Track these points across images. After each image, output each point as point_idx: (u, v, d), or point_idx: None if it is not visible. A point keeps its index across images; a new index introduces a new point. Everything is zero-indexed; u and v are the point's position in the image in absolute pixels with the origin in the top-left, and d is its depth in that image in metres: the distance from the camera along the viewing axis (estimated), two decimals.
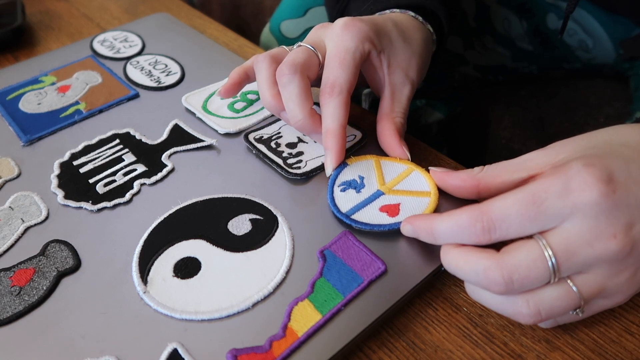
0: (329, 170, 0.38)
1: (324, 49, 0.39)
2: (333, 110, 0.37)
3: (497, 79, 0.67)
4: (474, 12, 0.61)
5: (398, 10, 0.44)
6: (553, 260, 0.26)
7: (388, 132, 0.39)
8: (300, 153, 0.41)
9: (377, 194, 0.37)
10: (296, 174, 0.39)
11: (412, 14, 0.43)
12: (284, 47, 0.42)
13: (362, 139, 0.42)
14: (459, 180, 0.34)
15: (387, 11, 0.44)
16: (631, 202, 0.26)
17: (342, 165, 0.39)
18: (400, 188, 0.37)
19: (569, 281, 0.27)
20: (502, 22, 0.60)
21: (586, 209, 0.26)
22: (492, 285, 0.27)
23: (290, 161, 0.40)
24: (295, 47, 0.40)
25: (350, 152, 0.41)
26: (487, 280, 0.27)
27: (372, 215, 0.35)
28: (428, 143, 0.42)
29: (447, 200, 0.36)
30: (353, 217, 0.35)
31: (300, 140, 0.42)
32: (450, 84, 0.70)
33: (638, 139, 0.29)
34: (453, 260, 0.29)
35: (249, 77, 0.43)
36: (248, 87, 0.48)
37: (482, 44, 0.63)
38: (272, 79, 0.39)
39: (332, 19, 0.53)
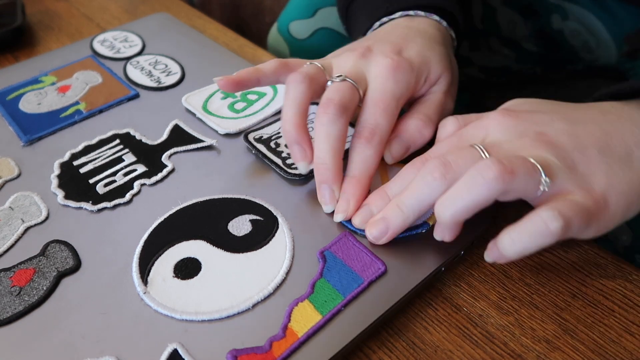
0: (339, 217, 0.35)
1: (366, 85, 0.38)
2: (367, 158, 0.35)
3: (500, 80, 0.67)
4: (480, 14, 0.61)
5: (421, 12, 0.43)
6: (480, 147, 0.30)
7: (415, 126, 0.38)
8: None
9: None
10: (295, 174, 0.39)
11: (437, 18, 0.43)
12: (317, 64, 0.38)
13: None
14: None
15: (404, 13, 0.43)
16: (537, 119, 0.32)
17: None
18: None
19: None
20: (507, 23, 0.60)
21: (497, 127, 0.32)
22: (434, 168, 0.30)
23: (289, 161, 0.40)
24: (337, 78, 0.37)
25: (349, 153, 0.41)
26: (429, 170, 0.30)
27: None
28: (432, 143, 0.42)
29: None
30: None
31: None
32: None
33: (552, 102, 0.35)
34: (410, 193, 0.32)
35: (259, 82, 0.40)
36: None
37: (487, 46, 0.63)
38: (304, 107, 0.36)
39: (340, 11, 0.53)
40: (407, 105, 0.40)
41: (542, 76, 0.65)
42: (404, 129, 0.38)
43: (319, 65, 0.38)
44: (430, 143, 0.37)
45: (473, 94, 0.71)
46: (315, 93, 0.37)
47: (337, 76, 0.37)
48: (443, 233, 0.32)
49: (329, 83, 0.37)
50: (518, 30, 0.59)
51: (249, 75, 0.39)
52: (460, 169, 0.30)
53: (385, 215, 0.33)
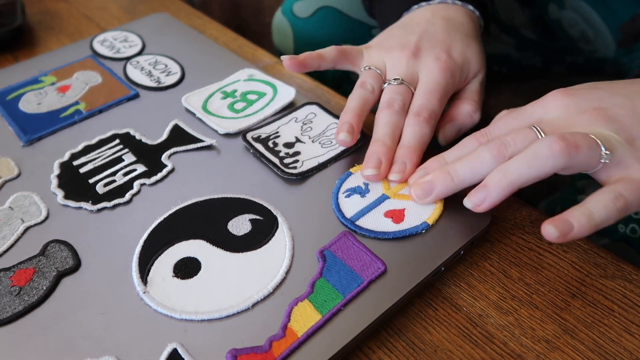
0: (395, 176, 0.37)
1: (417, 82, 0.41)
2: (424, 134, 0.38)
3: (501, 71, 0.67)
4: None
5: (458, 1, 0.45)
6: (541, 133, 0.32)
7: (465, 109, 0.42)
8: (297, 153, 0.41)
9: (382, 198, 0.37)
10: (292, 174, 0.39)
11: (472, 7, 0.45)
12: (375, 70, 0.42)
13: (360, 140, 0.42)
14: None
15: (433, 2, 0.45)
16: (595, 96, 0.33)
17: (346, 174, 0.39)
18: (405, 192, 0.37)
19: None
20: (505, 9, 0.60)
21: (555, 104, 0.33)
22: (492, 147, 0.32)
23: (286, 161, 0.40)
24: (395, 82, 0.41)
25: (348, 153, 0.41)
26: (487, 148, 0.32)
27: (376, 222, 0.35)
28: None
29: (452, 206, 0.36)
30: (357, 222, 0.35)
31: (297, 140, 0.42)
32: None
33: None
34: (464, 164, 0.33)
35: (320, 66, 0.43)
36: (248, 87, 0.49)
37: (486, 32, 0.63)
38: (367, 107, 0.40)
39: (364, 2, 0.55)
40: (448, 100, 0.43)
41: (543, 69, 0.65)
42: (456, 114, 0.42)
43: (378, 71, 0.42)
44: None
45: None
46: (376, 99, 0.41)
47: (395, 79, 0.41)
48: (487, 198, 0.32)
49: (385, 85, 0.41)
50: (516, 16, 0.60)
51: (312, 58, 0.42)
52: (517, 149, 0.32)
53: (433, 178, 0.34)
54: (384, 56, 0.43)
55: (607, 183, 0.31)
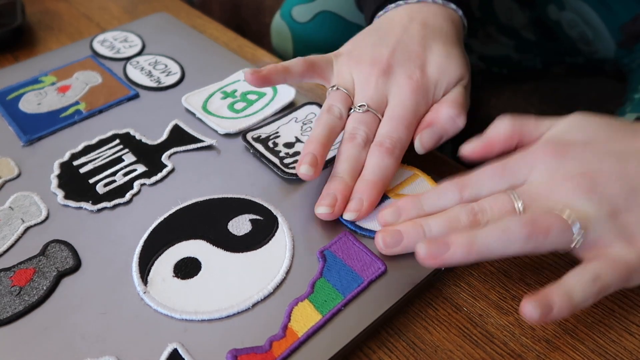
0: (349, 216, 0.35)
1: (386, 104, 0.39)
2: (387, 166, 0.36)
3: (501, 72, 0.67)
4: (477, 1, 0.61)
5: None
6: (519, 203, 0.31)
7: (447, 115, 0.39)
8: (297, 153, 0.41)
9: (383, 199, 0.37)
10: (292, 174, 0.39)
11: (454, 7, 0.43)
12: (343, 91, 0.40)
13: None
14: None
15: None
16: (588, 156, 0.31)
17: None
18: (405, 193, 0.37)
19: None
20: (505, 11, 0.60)
21: (543, 165, 0.31)
22: (468, 211, 0.31)
23: (286, 161, 0.40)
24: (360, 109, 0.38)
25: None
26: (465, 211, 0.31)
27: (376, 221, 0.35)
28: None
29: None
30: (358, 222, 0.35)
31: (297, 140, 0.42)
32: None
33: (605, 123, 0.33)
34: (438, 220, 0.32)
35: (286, 80, 0.41)
36: (248, 88, 0.49)
37: (486, 33, 0.63)
38: (333, 135, 0.38)
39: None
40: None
41: (543, 70, 0.65)
42: (435, 118, 0.38)
43: (345, 92, 0.40)
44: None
45: (473, 86, 0.72)
46: (343, 125, 0.39)
47: (360, 105, 0.39)
48: (441, 255, 0.29)
49: (351, 111, 0.39)
50: (516, 18, 0.60)
51: (277, 72, 0.40)
52: (494, 217, 0.31)
53: (405, 230, 0.33)
54: (352, 71, 0.41)
55: (584, 260, 0.30)
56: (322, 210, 0.35)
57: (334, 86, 0.40)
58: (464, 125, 0.39)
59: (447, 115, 0.38)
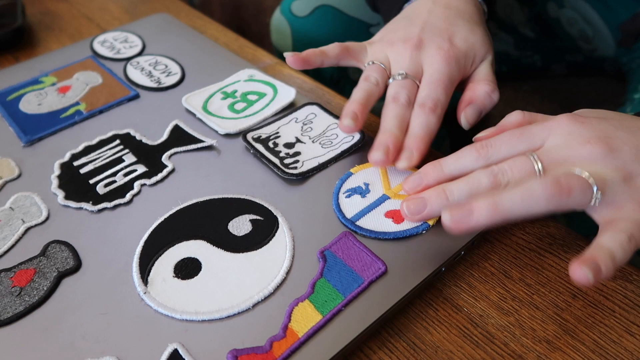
0: (403, 164, 0.37)
1: (422, 74, 0.41)
2: (430, 124, 0.38)
3: (500, 69, 0.67)
4: None
5: None
6: (539, 164, 0.32)
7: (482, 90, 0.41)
8: (298, 153, 0.41)
9: (383, 199, 0.37)
10: (292, 174, 0.39)
11: None
12: (380, 64, 0.42)
13: (360, 140, 0.42)
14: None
15: None
16: (602, 126, 0.32)
17: (346, 174, 0.39)
18: (405, 193, 0.37)
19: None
20: (504, 7, 0.60)
21: (561, 130, 0.33)
22: (489, 173, 0.32)
23: (287, 161, 0.40)
24: (399, 76, 0.40)
25: (348, 153, 0.41)
26: (486, 174, 0.32)
27: (377, 222, 0.35)
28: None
29: None
30: (358, 223, 0.35)
31: (298, 140, 0.42)
32: None
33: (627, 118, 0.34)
34: (460, 184, 0.33)
35: (323, 63, 0.43)
36: (248, 88, 0.49)
37: (491, 18, 0.63)
38: (372, 99, 0.40)
39: None
40: (458, 88, 0.43)
41: (543, 68, 0.65)
42: (474, 96, 0.41)
43: (382, 65, 0.42)
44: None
45: None
46: (381, 92, 0.41)
47: (399, 74, 0.41)
48: (470, 217, 0.30)
49: (390, 80, 0.41)
50: (515, 15, 0.60)
51: (314, 55, 0.42)
52: (514, 178, 0.32)
53: (428, 196, 0.34)
54: (387, 51, 0.43)
55: (599, 220, 0.31)
56: (377, 156, 0.37)
57: (370, 62, 0.42)
58: (498, 99, 0.42)
59: (484, 92, 0.41)
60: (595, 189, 0.30)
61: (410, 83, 0.40)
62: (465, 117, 0.41)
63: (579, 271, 0.28)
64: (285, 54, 0.42)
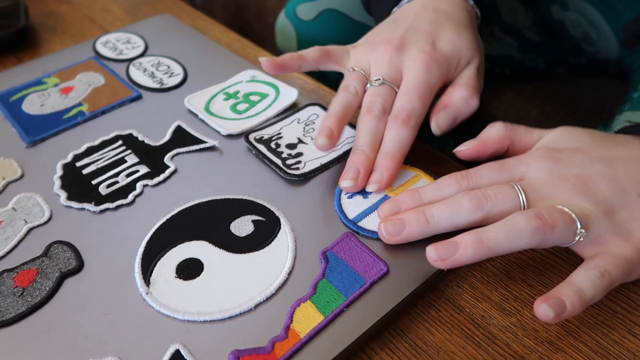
0: (372, 187, 0.37)
1: (401, 78, 0.40)
2: (403, 138, 0.37)
3: (504, 72, 0.67)
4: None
5: None
6: (522, 195, 0.31)
7: (460, 95, 0.40)
8: (300, 154, 0.41)
9: (385, 199, 0.37)
10: (294, 175, 0.39)
11: None
12: (359, 71, 0.41)
13: None
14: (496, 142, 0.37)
15: None
16: (578, 162, 0.32)
17: None
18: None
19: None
20: (508, 11, 0.60)
21: (538, 166, 0.33)
22: (472, 198, 0.31)
23: (289, 162, 0.40)
24: (376, 82, 0.40)
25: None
26: (468, 197, 0.31)
27: (377, 215, 0.35)
28: (433, 135, 0.42)
29: None
30: (360, 224, 0.35)
31: (300, 141, 0.42)
32: None
33: (589, 135, 0.35)
34: (441, 208, 0.32)
35: (301, 68, 0.43)
36: (251, 89, 0.49)
37: (489, 32, 0.63)
38: (350, 111, 0.40)
39: None
40: (441, 92, 0.42)
41: (546, 70, 0.65)
42: (449, 100, 0.40)
43: (362, 72, 0.41)
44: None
45: None
46: (360, 100, 0.40)
47: (376, 79, 0.40)
48: (452, 256, 0.30)
49: (368, 85, 0.40)
50: (519, 18, 0.60)
51: (292, 60, 0.42)
52: (498, 205, 0.31)
53: (407, 218, 0.33)
54: (368, 55, 0.42)
55: (585, 256, 0.31)
56: (346, 183, 0.36)
57: (350, 68, 0.42)
58: (477, 106, 0.40)
59: (460, 97, 0.39)
60: (578, 224, 0.30)
61: (386, 90, 0.39)
62: (437, 122, 0.40)
63: (540, 309, 0.28)
64: (260, 59, 0.42)
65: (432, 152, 0.43)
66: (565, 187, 0.31)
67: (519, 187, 0.32)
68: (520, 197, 0.31)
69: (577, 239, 0.30)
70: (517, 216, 0.30)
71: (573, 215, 0.30)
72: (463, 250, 0.30)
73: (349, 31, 0.64)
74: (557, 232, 0.29)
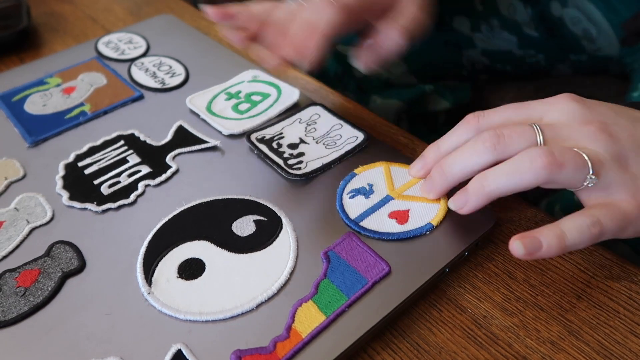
0: (271, 62, 0.38)
1: None
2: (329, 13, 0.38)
3: (505, 69, 0.67)
4: None
5: None
6: (540, 136, 0.31)
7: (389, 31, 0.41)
8: (302, 154, 0.41)
9: (387, 199, 0.37)
10: (296, 175, 0.39)
11: None
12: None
13: (364, 141, 0.42)
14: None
15: None
16: (602, 111, 0.32)
17: (350, 175, 0.39)
18: (410, 193, 0.37)
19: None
20: (507, 7, 0.60)
21: (562, 107, 0.32)
22: (485, 138, 0.31)
23: (290, 162, 0.40)
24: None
25: (352, 154, 0.41)
26: (483, 140, 0.31)
27: (381, 222, 0.35)
28: (435, 133, 0.42)
29: None
30: (362, 224, 0.35)
31: (302, 141, 0.42)
32: (458, 71, 0.70)
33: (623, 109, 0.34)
34: (462, 156, 0.32)
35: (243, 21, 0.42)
36: (252, 89, 0.49)
37: (489, 27, 0.63)
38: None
39: None
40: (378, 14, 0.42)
41: (547, 67, 0.65)
42: (380, 38, 0.41)
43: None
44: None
45: (477, 84, 0.71)
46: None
47: None
48: (467, 203, 0.32)
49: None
50: (518, 14, 0.60)
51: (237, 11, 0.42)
52: (513, 145, 0.31)
53: (432, 175, 0.35)
54: None
55: (587, 203, 0.31)
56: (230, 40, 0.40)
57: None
58: (405, 45, 0.41)
59: (390, 37, 0.40)
60: (591, 170, 0.29)
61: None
62: (364, 61, 0.41)
63: (513, 244, 0.29)
64: (204, 7, 0.42)
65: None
66: (587, 131, 0.31)
67: (537, 126, 0.31)
68: (537, 136, 0.31)
69: (585, 183, 0.30)
70: (522, 156, 0.29)
71: (586, 158, 0.29)
72: (471, 197, 0.31)
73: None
74: (565, 174, 0.29)
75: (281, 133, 0.43)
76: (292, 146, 0.42)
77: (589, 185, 0.30)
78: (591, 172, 0.29)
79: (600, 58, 0.60)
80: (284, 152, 0.41)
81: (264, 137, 0.43)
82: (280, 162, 0.40)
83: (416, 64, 0.70)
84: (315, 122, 0.44)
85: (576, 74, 0.65)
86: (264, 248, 0.34)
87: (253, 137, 0.43)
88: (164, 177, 0.40)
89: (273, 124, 0.44)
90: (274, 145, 0.42)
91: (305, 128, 0.44)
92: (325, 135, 0.43)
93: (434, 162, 0.35)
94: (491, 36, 0.64)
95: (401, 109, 0.70)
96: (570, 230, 0.29)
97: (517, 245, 0.29)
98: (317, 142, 0.42)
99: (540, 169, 0.29)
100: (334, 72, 0.68)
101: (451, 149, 0.35)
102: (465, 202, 0.32)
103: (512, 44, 0.64)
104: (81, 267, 0.34)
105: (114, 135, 0.45)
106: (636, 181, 0.30)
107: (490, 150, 0.31)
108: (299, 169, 0.40)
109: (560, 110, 0.32)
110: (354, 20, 0.40)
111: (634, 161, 0.31)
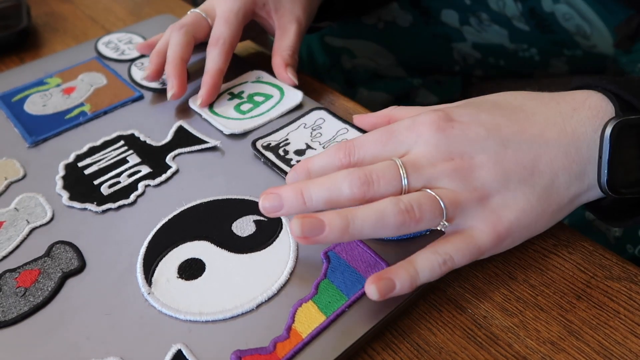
0: (200, 101, 0.46)
1: (215, 14, 0.48)
2: (215, 56, 0.46)
3: (498, 63, 0.67)
4: None
5: None
6: (402, 169, 0.31)
7: (277, 65, 0.48)
8: None
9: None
10: None
11: None
12: (197, 11, 0.50)
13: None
14: (375, 117, 0.40)
15: None
16: (471, 136, 0.31)
17: None
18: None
19: (427, 190, 0.31)
20: (496, 1, 0.60)
21: (427, 138, 0.32)
22: (353, 183, 0.30)
23: None
24: (189, 13, 0.49)
25: None
26: (348, 181, 0.30)
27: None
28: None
29: None
30: None
31: (308, 146, 0.42)
32: (450, 66, 0.70)
33: (509, 98, 0.34)
34: (320, 189, 0.31)
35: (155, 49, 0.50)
36: (255, 89, 0.49)
37: (478, 20, 0.63)
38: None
39: None
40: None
41: (542, 62, 0.65)
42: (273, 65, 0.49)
43: (200, 12, 0.50)
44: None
45: (470, 81, 0.71)
46: (196, 36, 0.49)
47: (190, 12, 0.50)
48: (319, 235, 0.29)
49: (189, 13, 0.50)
50: (507, 9, 0.60)
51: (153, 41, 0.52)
52: (380, 189, 0.31)
53: (285, 194, 0.31)
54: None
55: (445, 231, 0.32)
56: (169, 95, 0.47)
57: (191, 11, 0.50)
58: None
59: (276, 65, 0.48)
60: (445, 216, 0.30)
61: (193, 13, 0.50)
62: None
63: (368, 289, 0.29)
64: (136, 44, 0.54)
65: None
66: (447, 168, 0.31)
67: (403, 169, 0.31)
68: (402, 180, 0.31)
69: (439, 228, 0.31)
70: (388, 207, 0.29)
71: (443, 205, 0.30)
72: (328, 233, 0.29)
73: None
74: (422, 225, 0.30)
75: (287, 139, 0.43)
76: (299, 152, 0.41)
77: (443, 229, 0.31)
78: (444, 219, 0.30)
79: (596, 55, 0.60)
80: (291, 160, 0.41)
81: (270, 144, 0.42)
82: (288, 170, 0.40)
83: (404, 55, 0.69)
84: (321, 127, 0.44)
85: (574, 73, 0.64)
86: (264, 248, 0.34)
87: (258, 144, 0.42)
88: (164, 177, 0.40)
89: (277, 130, 0.44)
90: (281, 152, 0.42)
91: (311, 133, 0.43)
92: (331, 139, 0.42)
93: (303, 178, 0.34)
94: (481, 29, 0.64)
95: (388, 101, 0.70)
96: (423, 269, 0.30)
97: (372, 290, 0.29)
98: (323, 147, 0.42)
99: (401, 225, 0.29)
100: (322, 64, 0.68)
101: (319, 173, 0.33)
102: (319, 233, 0.29)
103: (503, 37, 0.63)
104: (81, 267, 0.34)
105: (114, 135, 0.45)
106: (497, 212, 0.31)
107: (358, 195, 0.30)
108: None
109: (425, 143, 0.32)
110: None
111: (496, 192, 0.31)
